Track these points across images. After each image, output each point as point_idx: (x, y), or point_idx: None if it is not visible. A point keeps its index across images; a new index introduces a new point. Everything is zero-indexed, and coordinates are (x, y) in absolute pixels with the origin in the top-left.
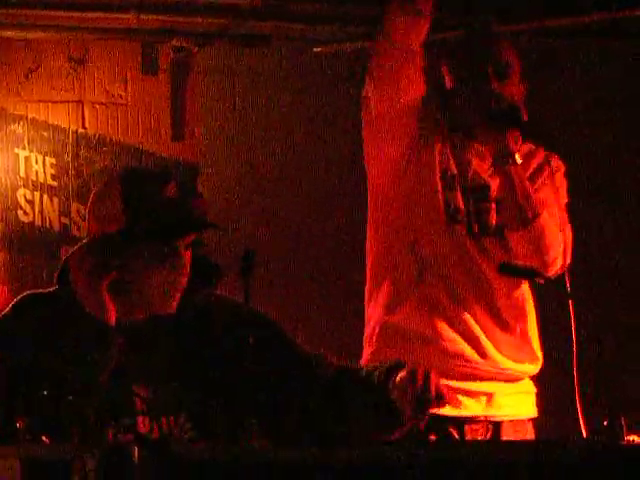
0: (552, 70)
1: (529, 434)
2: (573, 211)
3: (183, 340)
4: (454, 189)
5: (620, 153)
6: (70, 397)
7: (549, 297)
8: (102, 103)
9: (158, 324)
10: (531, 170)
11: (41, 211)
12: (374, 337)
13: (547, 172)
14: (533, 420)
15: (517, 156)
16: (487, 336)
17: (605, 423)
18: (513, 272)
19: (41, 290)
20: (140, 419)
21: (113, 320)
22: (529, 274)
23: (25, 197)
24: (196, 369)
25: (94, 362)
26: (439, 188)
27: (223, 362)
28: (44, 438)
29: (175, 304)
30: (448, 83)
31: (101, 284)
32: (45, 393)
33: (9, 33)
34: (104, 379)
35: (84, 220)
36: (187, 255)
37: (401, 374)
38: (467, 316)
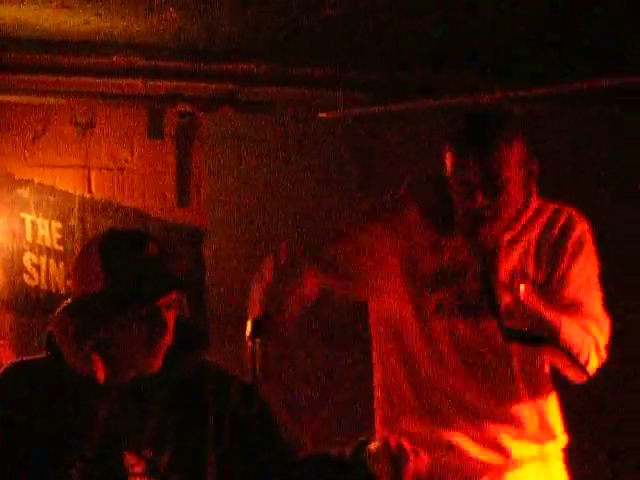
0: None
1: None
2: None
3: (171, 404)
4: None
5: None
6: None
7: None
8: (108, 168)
9: (146, 385)
10: (540, 257)
11: (47, 275)
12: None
13: (565, 248)
14: None
15: (522, 288)
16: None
17: None
18: (521, 339)
19: (30, 357)
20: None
21: (102, 378)
22: (540, 340)
23: (31, 261)
24: (185, 435)
25: (83, 422)
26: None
27: (208, 432)
28: None
29: (159, 363)
30: (448, 168)
31: (86, 344)
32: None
33: (16, 98)
34: (93, 439)
35: None
36: (170, 314)
37: (375, 444)
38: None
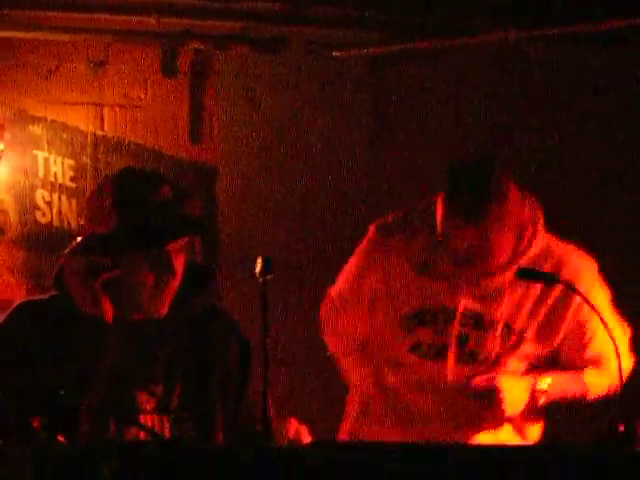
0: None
1: None
2: None
3: (180, 345)
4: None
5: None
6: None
7: None
8: (121, 105)
9: (154, 325)
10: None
11: (59, 212)
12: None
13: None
14: None
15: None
16: None
17: (621, 428)
18: (532, 277)
19: (38, 297)
20: (142, 418)
21: (110, 317)
22: (549, 279)
23: (43, 198)
24: (192, 373)
25: (92, 360)
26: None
27: (214, 375)
28: (59, 437)
29: (165, 308)
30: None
31: (95, 282)
32: (62, 393)
33: (29, 35)
34: (103, 376)
35: None
36: (179, 259)
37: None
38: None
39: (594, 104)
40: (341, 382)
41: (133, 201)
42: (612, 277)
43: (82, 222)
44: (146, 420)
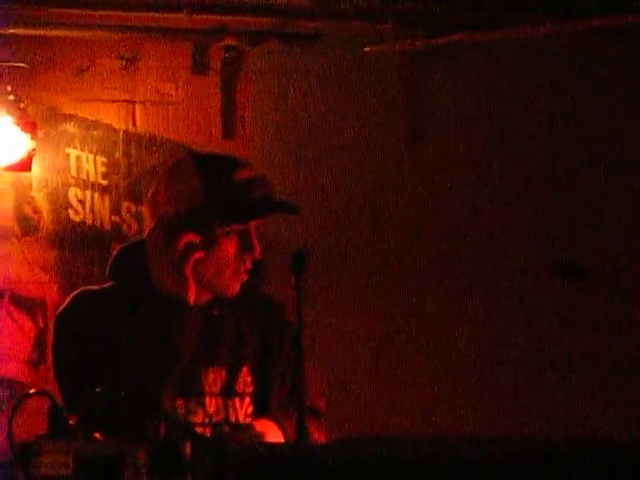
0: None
1: None
2: None
3: (244, 327)
4: None
5: None
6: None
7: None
8: (153, 102)
9: (223, 307)
10: None
11: (92, 210)
12: None
13: None
14: None
15: None
16: None
17: None
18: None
19: (94, 287)
20: (207, 400)
21: (193, 300)
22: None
23: (76, 196)
24: (255, 357)
25: (175, 339)
26: None
27: (273, 357)
28: (96, 435)
29: (239, 287)
30: None
31: (185, 267)
32: (98, 390)
33: (61, 32)
34: (185, 362)
35: (134, 218)
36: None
37: None
38: None
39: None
40: (380, 374)
41: (219, 178)
42: None
43: (157, 203)
44: (211, 403)
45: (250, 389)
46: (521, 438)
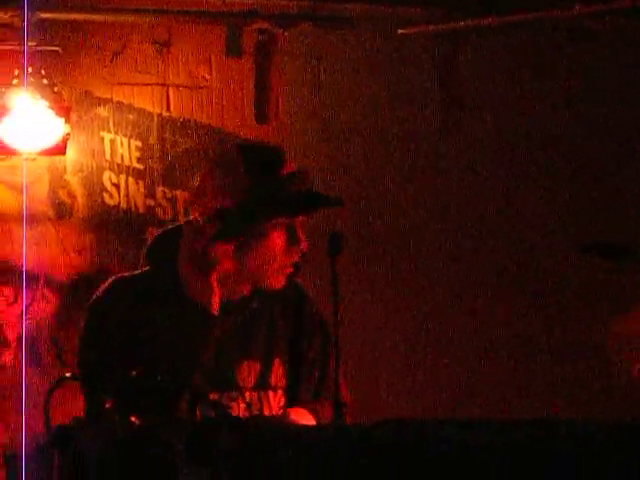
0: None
1: None
2: None
3: (277, 321)
4: None
5: None
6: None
7: None
8: (186, 86)
9: (257, 301)
10: None
11: (127, 194)
12: None
13: None
14: None
15: None
16: None
17: None
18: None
19: (129, 273)
20: (242, 394)
21: (217, 307)
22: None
23: (111, 180)
24: (287, 351)
25: (196, 344)
26: None
27: (303, 349)
28: (132, 418)
29: (284, 281)
30: None
31: (210, 276)
32: (134, 374)
33: (95, 17)
34: (206, 358)
35: (169, 202)
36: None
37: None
38: None
39: None
40: (412, 364)
41: (265, 172)
42: None
43: (200, 196)
44: (246, 396)
45: (283, 382)
46: (567, 420)
